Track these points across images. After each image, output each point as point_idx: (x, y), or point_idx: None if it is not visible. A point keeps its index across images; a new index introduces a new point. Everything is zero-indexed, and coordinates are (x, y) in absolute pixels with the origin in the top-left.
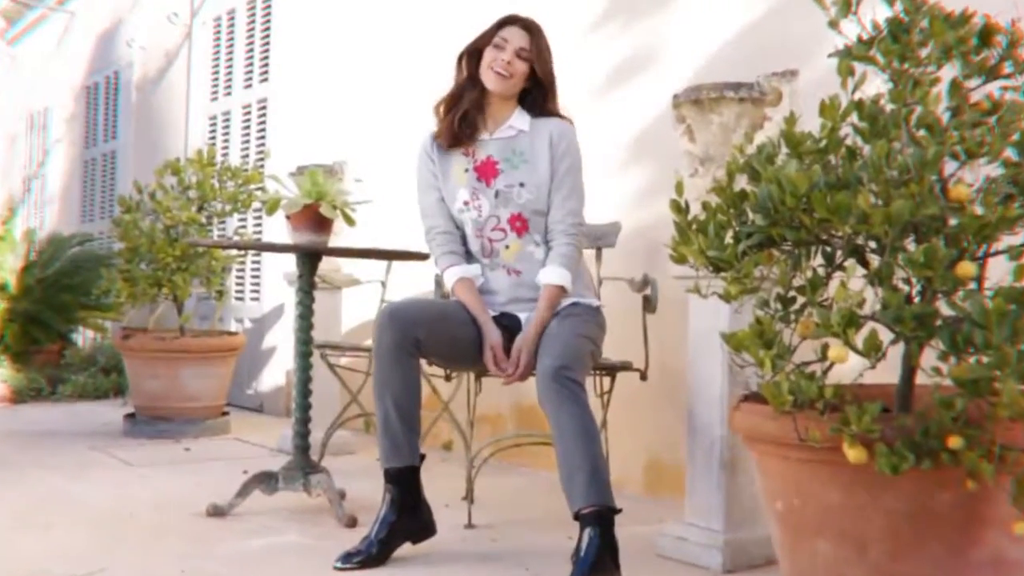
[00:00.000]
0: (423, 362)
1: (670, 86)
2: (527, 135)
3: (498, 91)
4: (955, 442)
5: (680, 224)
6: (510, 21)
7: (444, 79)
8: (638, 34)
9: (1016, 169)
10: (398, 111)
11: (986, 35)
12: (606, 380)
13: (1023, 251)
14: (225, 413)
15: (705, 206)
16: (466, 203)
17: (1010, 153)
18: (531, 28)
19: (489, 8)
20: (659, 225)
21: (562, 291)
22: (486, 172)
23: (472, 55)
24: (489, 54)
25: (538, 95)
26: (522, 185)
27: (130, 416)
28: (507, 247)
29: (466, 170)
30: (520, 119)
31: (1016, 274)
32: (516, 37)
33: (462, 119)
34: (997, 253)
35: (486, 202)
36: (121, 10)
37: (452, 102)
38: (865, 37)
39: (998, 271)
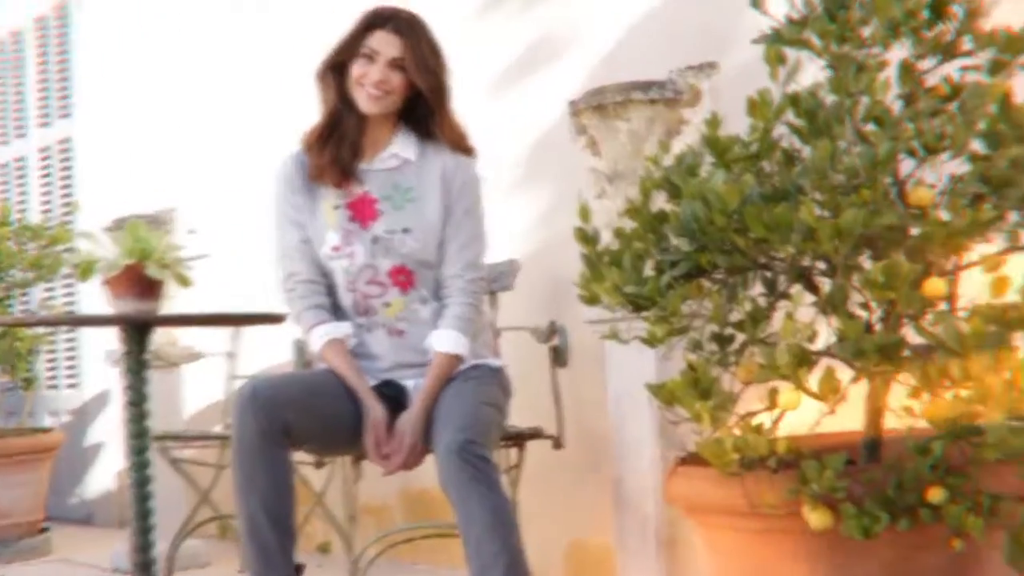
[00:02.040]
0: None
1: (569, 86)
2: (413, 166)
3: (374, 112)
4: (935, 495)
5: (589, 256)
6: (377, 23)
7: (289, 105)
8: (531, 24)
9: (984, 163)
10: (236, 145)
11: (939, 6)
12: (513, 452)
13: (999, 261)
14: (44, 529)
15: (618, 233)
16: (335, 248)
17: (976, 145)
18: (404, 29)
19: (343, 18)
20: (565, 259)
21: (457, 360)
22: (363, 211)
23: (336, 68)
24: (357, 67)
25: (426, 108)
26: (406, 231)
27: None
28: (387, 304)
29: (336, 207)
30: (404, 144)
31: (994, 289)
32: (387, 45)
33: (350, 149)
34: (969, 265)
35: (361, 248)
36: None
37: (327, 131)
38: (796, 17)
39: (972, 287)
